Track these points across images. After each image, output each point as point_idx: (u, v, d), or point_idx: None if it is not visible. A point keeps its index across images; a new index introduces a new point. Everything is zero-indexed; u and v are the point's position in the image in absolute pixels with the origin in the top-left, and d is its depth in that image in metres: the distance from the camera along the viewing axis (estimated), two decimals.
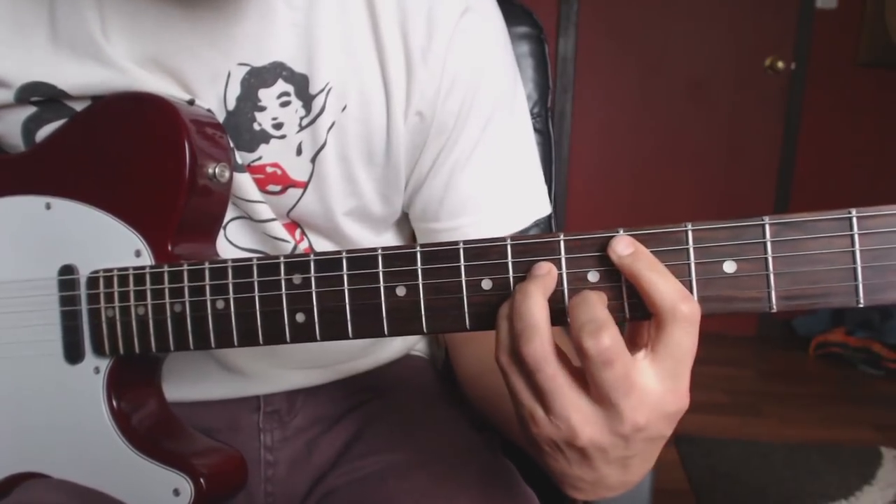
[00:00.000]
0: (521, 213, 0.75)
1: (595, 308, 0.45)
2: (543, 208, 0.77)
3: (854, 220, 0.45)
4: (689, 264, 0.47)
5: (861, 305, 0.44)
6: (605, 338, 0.44)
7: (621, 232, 0.49)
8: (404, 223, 0.82)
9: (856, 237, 0.44)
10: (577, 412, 0.47)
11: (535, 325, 0.46)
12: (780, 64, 3.40)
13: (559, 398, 0.47)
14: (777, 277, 0.46)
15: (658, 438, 0.49)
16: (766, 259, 0.46)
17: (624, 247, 0.48)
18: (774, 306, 0.46)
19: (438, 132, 0.70)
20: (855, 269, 0.45)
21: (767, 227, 0.46)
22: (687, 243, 0.47)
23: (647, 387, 0.46)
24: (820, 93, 3.46)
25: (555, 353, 0.46)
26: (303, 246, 0.75)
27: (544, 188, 0.78)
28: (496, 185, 0.73)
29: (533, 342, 0.46)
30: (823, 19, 3.40)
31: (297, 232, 0.75)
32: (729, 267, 0.47)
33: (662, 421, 0.47)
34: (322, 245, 0.76)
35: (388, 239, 0.81)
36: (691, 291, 0.48)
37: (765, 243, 0.46)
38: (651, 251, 0.48)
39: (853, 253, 0.45)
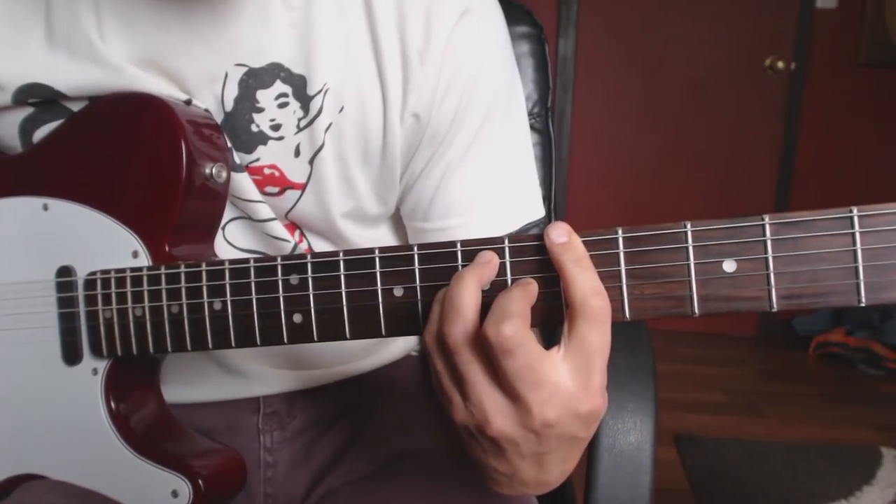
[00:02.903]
0: (511, 217, 0.75)
1: (510, 301, 0.47)
2: (535, 212, 0.77)
3: (855, 218, 0.44)
4: (688, 264, 0.47)
5: (862, 304, 0.44)
6: (506, 327, 0.45)
7: (619, 232, 0.49)
8: (400, 218, 0.82)
9: (857, 236, 0.44)
10: (489, 401, 0.48)
11: (460, 309, 0.47)
12: (780, 64, 3.40)
13: (474, 385, 0.48)
14: (777, 276, 0.46)
15: (572, 438, 0.49)
16: (766, 258, 0.46)
17: (558, 234, 0.48)
18: (775, 305, 0.46)
19: (433, 135, 0.70)
20: (856, 268, 0.44)
21: (767, 226, 0.46)
22: (686, 242, 0.47)
23: (559, 382, 0.46)
24: (820, 93, 3.46)
25: (475, 340, 0.47)
26: (303, 246, 0.75)
27: (538, 192, 0.78)
28: (486, 189, 0.73)
29: (455, 324, 0.47)
30: (823, 19, 3.40)
31: (297, 233, 0.75)
32: (729, 266, 0.47)
33: (574, 420, 0.48)
34: (320, 245, 0.76)
35: (384, 233, 0.81)
36: (691, 291, 0.48)
37: (765, 242, 0.46)
38: (650, 250, 0.48)
39: (854, 252, 0.44)
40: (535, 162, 1.06)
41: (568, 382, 0.47)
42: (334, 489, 0.75)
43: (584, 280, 0.47)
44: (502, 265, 0.51)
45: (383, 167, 0.71)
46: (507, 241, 0.51)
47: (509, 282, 0.51)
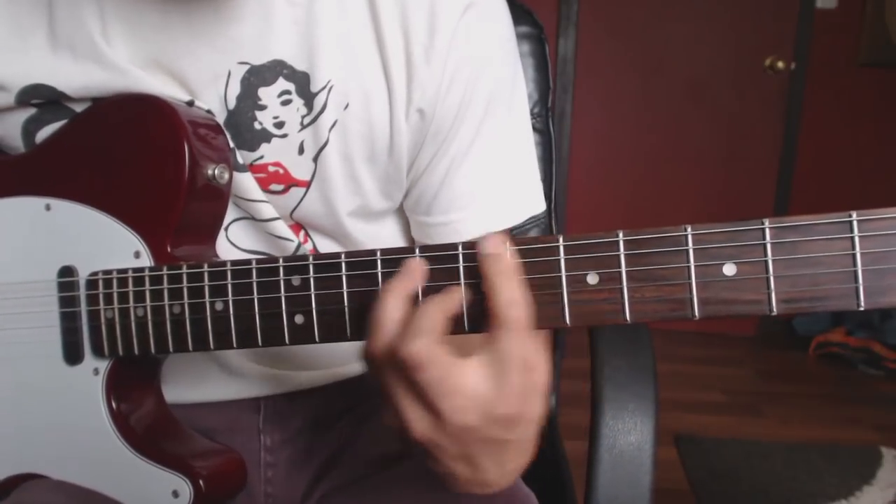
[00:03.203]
0: (513, 211, 0.75)
1: (420, 317, 0.49)
2: (537, 206, 0.77)
3: (854, 222, 0.45)
4: (688, 267, 0.48)
5: (861, 309, 0.44)
6: (414, 344, 0.47)
7: (620, 235, 0.49)
8: (403, 212, 0.82)
9: (856, 240, 0.44)
10: (408, 409, 0.50)
11: (383, 322, 0.50)
12: (780, 64, 3.39)
13: (395, 395, 0.51)
14: (777, 280, 0.46)
15: (497, 441, 0.51)
16: (766, 262, 0.46)
17: (488, 246, 0.51)
18: (774, 309, 0.46)
19: (437, 130, 0.70)
20: (855, 272, 0.45)
21: (767, 230, 0.46)
22: (686, 245, 0.47)
23: (473, 390, 0.48)
24: (820, 93, 3.46)
25: (393, 353, 0.49)
26: (307, 246, 0.75)
27: (539, 186, 0.78)
28: (489, 183, 0.73)
29: (377, 339, 0.51)
30: (823, 19, 3.40)
31: (301, 233, 0.75)
32: (729, 269, 0.47)
33: (492, 424, 0.49)
34: (325, 245, 0.76)
35: (389, 227, 0.81)
36: (691, 294, 0.48)
37: (765, 245, 0.46)
38: (650, 253, 0.48)
39: (853, 256, 0.45)
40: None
41: (481, 388, 0.49)
42: (334, 489, 0.75)
43: (505, 291, 0.49)
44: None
45: (390, 164, 0.71)
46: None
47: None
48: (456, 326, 0.52)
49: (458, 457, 0.52)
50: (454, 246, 0.53)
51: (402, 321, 0.50)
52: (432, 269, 0.53)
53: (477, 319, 0.52)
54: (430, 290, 0.53)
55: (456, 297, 0.52)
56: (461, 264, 0.52)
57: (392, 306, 0.50)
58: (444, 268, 0.53)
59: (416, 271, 0.52)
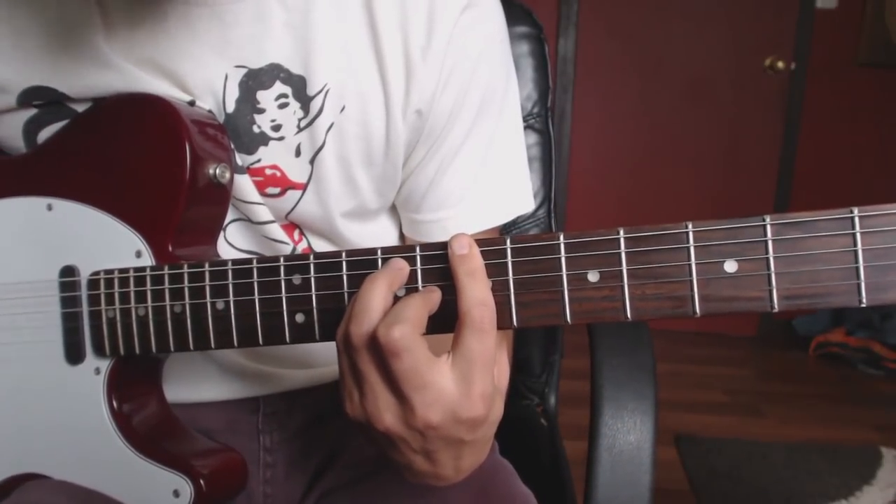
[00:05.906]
0: (502, 210, 0.76)
1: (406, 307, 0.50)
2: (526, 205, 0.78)
3: (856, 219, 0.45)
4: (689, 264, 0.48)
5: (863, 305, 0.44)
6: (395, 330, 0.48)
7: (621, 232, 0.49)
8: (396, 210, 0.83)
9: (857, 236, 0.44)
10: (381, 398, 0.51)
11: (368, 310, 0.50)
12: (780, 64, 3.40)
13: (370, 383, 0.51)
14: (778, 277, 0.46)
15: (457, 441, 0.52)
16: (767, 259, 0.46)
17: (459, 246, 0.51)
18: (776, 306, 0.46)
19: (430, 130, 0.70)
20: (857, 269, 0.45)
21: (769, 227, 0.46)
22: (687, 243, 0.48)
23: (444, 388, 0.49)
24: (820, 93, 3.46)
25: (373, 338, 0.50)
26: (301, 247, 0.75)
27: (528, 185, 0.79)
28: (478, 182, 0.74)
29: (361, 325, 0.50)
30: (823, 19, 3.40)
31: (296, 233, 0.75)
32: (730, 266, 0.47)
33: (456, 424, 0.50)
34: (321, 246, 0.76)
35: (382, 226, 0.81)
36: (692, 291, 0.48)
37: (766, 243, 0.46)
38: (651, 250, 0.48)
39: (855, 252, 0.45)
40: (535, 162, 1.07)
41: (451, 388, 0.49)
42: (334, 488, 0.75)
43: (471, 290, 0.50)
44: (504, 266, 0.52)
45: (386, 164, 0.71)
46: (508, 241, 0.52)
47: (510, 283, 0.52)
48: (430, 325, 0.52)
49: (419, 450, 0.53)
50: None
51: (385, 310, 0.51)
52: (436, 269, 0.53)
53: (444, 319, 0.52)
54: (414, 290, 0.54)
55: (436, 296, 0.52)
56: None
57: (379, 295, 0.51)
58: (444, 267, 0.53)
59: (402, 269, 0.53)
